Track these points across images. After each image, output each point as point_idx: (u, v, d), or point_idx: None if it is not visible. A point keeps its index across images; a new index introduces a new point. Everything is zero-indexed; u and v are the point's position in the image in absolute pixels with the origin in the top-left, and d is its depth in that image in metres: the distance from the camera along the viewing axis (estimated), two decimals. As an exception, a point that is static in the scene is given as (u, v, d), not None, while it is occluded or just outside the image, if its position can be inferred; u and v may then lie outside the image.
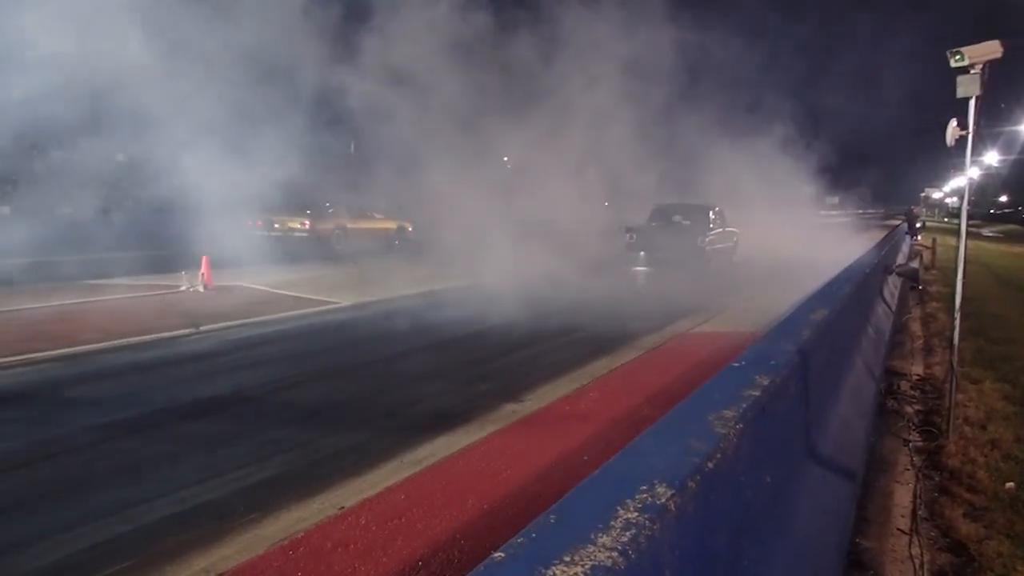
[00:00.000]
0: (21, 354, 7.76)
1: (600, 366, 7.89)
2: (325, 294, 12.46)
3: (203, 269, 12.90)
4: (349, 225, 23.23)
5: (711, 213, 19.76)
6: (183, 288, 12.65)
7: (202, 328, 9.45)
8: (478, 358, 8.27)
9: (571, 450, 5.19)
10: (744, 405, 2.59)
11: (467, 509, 4.16)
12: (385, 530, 3.90)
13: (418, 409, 6.33)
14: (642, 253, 18.80)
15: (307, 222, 22.05)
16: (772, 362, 3.27)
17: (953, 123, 5.50)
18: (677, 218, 19.68)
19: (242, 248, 15.03)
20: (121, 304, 11.38)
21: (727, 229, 20.68)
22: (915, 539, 3.91)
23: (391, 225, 25.38)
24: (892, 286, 11.55)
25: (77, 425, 5.79)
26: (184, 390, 6.87)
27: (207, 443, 5.47)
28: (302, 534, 3.87)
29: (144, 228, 20.51)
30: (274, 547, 3.74)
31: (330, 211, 22.74)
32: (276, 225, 21.61)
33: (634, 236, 19.02)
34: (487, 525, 3.96)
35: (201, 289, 12.64)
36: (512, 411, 6.20)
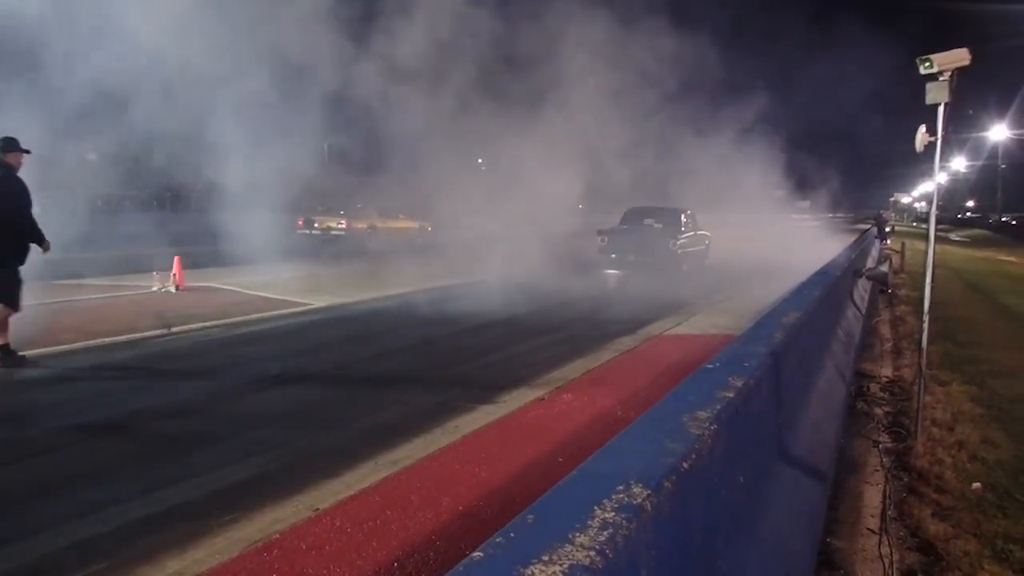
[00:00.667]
0: (-11, 355, 7.64)
1: (576, 367, 7.93)
2: (301, 295, 12.40)
3: (175, 270, 12.79)
4: (379, 225, 24.58)
5: (683, 216, 19.76)
6: (155, 289, 12.54)
7: (173, 329, 9.37)
8: (455, 359, 8.29)
9: (546, 451, 5.21)
10: (718, 406, 2.62)
11: (443, 510, 4.17)
12: (360, 532, 3.90)
13: (394, 410, 6.32)
14: (613, 256, 18.83)
15: (344, 221, 24.01)
16: (745, 364, 3.31)
17: (922, 129, 5.59)
18: (649, 221, 19.70)
19: (279, 246, 15.40)
20: (91, 305, 11.25)
21: (699, 232, 20.73)
22: (884, 539, 3.98)
23: (413, 225, 26.94)
24: (862, 289, 11.70)
25: (49, 426, 5.73)
26: (157, 391, 6.81)
27: (180, 445, 5.43)
28: (277, 536, 3.86)
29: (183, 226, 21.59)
30: (248, 549, 3.73)
31: (362, 211, 24.34)
32: (316, 224, 23.49)
33: (606, 239, 19.02)
34: (463, 526, 3.97)
35: (173, 290, 12.53)
36: (488, 412, 6.21)
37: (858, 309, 10.42)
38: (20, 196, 7.73)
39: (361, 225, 24.77)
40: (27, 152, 7.88)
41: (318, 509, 4.22)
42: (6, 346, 7.60)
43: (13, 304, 7.71)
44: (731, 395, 2.80)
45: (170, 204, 36.28)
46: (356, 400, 6.67)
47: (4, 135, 7.74)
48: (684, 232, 19.29)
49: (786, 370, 4.05)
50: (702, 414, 2.52)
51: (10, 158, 7.69)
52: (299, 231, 24.07)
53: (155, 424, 5.90)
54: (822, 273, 8.19)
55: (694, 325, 10.94)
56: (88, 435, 5.57)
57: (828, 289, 6.97)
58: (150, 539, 3.87)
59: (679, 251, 18.62)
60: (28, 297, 11.13)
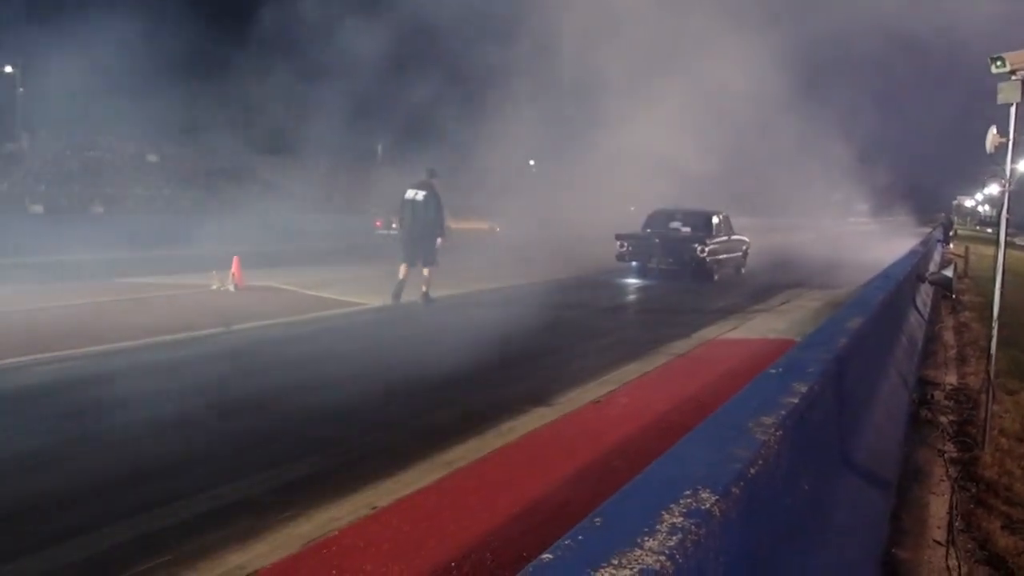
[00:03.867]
0: (57, 351, 7.87)
1: (630, 371, 7.88)
2: (359, 295, 12.52)
3: (234, 269, 13.02)
4: (452, 226, 25.49)
5: (714, 219, 18.12)
6: (214, 287, 12.77)
7: (233, 327, 9.54)
8: (507, 361, 8.28)
9: (602, 455, 5.18)
10: (783, 412, 2.58)
11: (498, 512, 4.17)
12: (417, 531, 3.92)
13: (448, 411, 6.35)
14: (635, 263, 17.59)
15: None
16: (809, 370, 3.26)
17: (993, 130, 5.44)
18: (675, 225, 18.12)
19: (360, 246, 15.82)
20: (153, 303, 11.51)
21: (733, 237, 19.10)
22: (952, 551, 3.87)
23: (483, 226, 27.50)
24: (924, 295, 11.43)
25: (112, 421, 5.87)
26: (216, 389, 6.94)
27: (240, 441, 5.52)
28: (336, 533, 3.90)
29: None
30: (308, 546, 3.77)
31: None
32: (393, 225, 24.21)
33: (626, 244, 17.52)
34: (519, 528, 3.97)
35: (232, 288, 12.75)
36: (542, 415, 6.20)
37: (921, 315, 10.17)
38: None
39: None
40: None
41: (375, 508, 4.25)
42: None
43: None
44: (796, 401, 2.76)
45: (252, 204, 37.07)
46: (409, 400, 6.71)
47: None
48: (715, 237, 17.72)
49: (849, 376, 3.98)
50: (767, 419, 2.48)
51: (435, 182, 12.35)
52: (377, 232, 24.77)
53: (215, 421, 6.02)
54: (885, 278, 8.03)
55: (750, 329, 10.79)
56: (151, 431, 5.70)
57: (891, 294, 6.83)
58: (212, 533, 3.94)
59: (708, 257, 17.04)
60: (94, 295, 11.49)
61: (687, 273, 16.89)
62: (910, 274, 9.66)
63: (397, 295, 12.00)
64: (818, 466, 3.18)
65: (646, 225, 18.47)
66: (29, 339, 8.28)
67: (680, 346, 9.38)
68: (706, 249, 16.90)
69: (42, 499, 4.41)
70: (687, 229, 17.85)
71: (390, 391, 6.99)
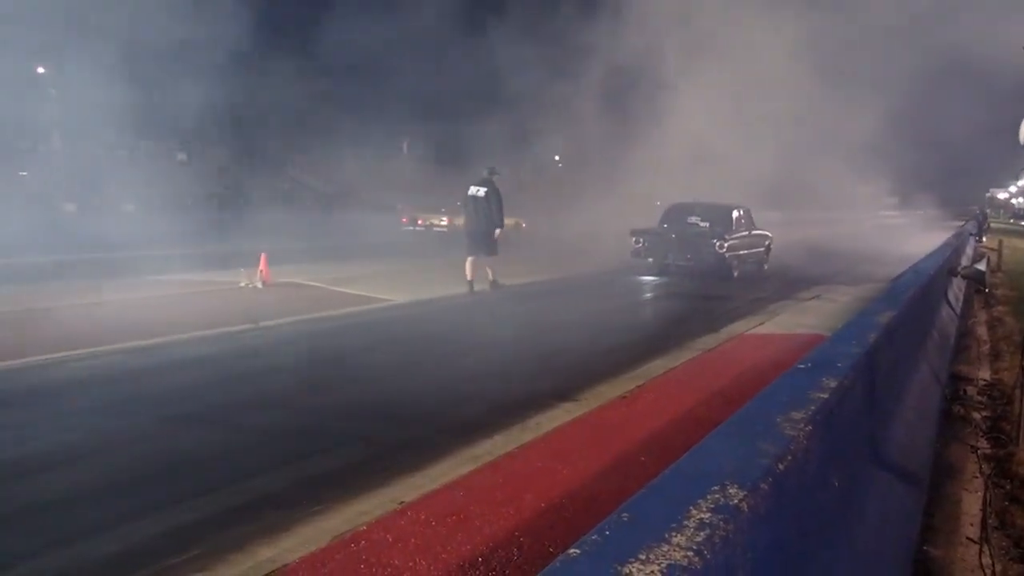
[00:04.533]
0: (89, 347, 7.98)
1: (656, 366, 7.84)
2: (385, 291, 12.58)
3: (261, 266, 13.12)
4: None
5: (734, 214, 17.47)
6: (242, 284, 12.88)
7: (261, 324, 9.61)
8: (532, 356, 8.27)
9: (629, 450, 5.16)
10: (812, 407, 2.55)
11: (526, 507, 4.17)
12: (444, 526, 3.93)
13: (474, 405, 6.36)
14: (651, 260, 16.88)
15: (446, 219, 25.06)
16: (839, 364, 3.22)
17: (1026, 121, 5.35)
18: (693, 219, 17.38)
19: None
20: (182, 299, 11.63)
21: (755, 232, 18.33)
22: (985, 548, 3.81)
23: (509, 221, 27.81)
24: (957, 289, 11.27)
25: (144, 416, 5.93)
26: (244, 384, 7.00)
27: (269, 436, 5.58)
28: (363, 528, 3.92)
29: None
30: (336, 540, 3.80)
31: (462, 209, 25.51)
32: (419, 221, 24.58)
33: (641, 240, 16.86)
34: (546, 523, 3.97)
35: (259, 285, 12.85)
36: (568, 409, 6.20)
37: (953, 309, 10.04)
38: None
39: (462, 221, 25.38)
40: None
41: (402, 502, 4.27)
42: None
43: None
44: (825, 396, 2.73)
45: (282, 201, 37.41)
46: (435, 395, 6.73)
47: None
48: (735, 232, 17.09)
49: (880, 371, 3.93)
50: (796, 415, 2.46)
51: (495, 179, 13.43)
52: (403, 228, 25.11)
53: (243, 415, 6.06)
54: (915, 272, 7.93)
55: (779, 324, 10.70)
56: (182, 425, 5.76)
57: (922, 288, 6.74)
58: (242, 527, 3.97)
59: (727, 253, 16.38)
60: (125, 292, 11.63)
61: (705, 270, 16.32)
62: (941, 268, 9.53)
63: (471, 286, 13.11)
64: (848, 462, 3.14)
65: (663, 220, 17.86)
66: (63, 335, 8.40)
67: (708, 341, 9.33)
68: (725, 245, 16.30)
69: (75, 492, 4.47)
70: (705, 224, 17.16)
71: (415, 386, 7.01)
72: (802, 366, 3.23)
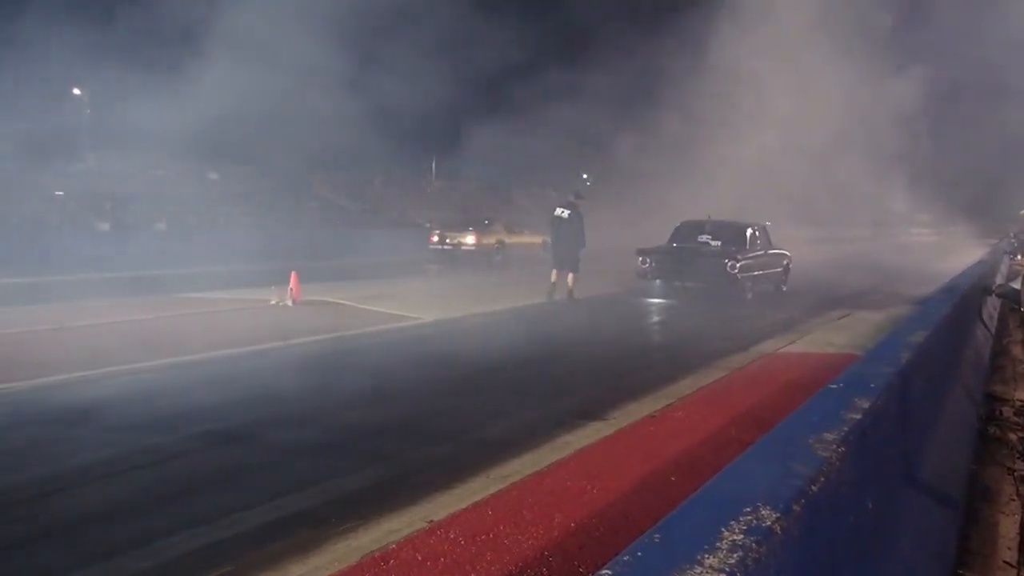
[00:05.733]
0: (123, 364, 8.09)
1: (686, 385, 7.80)
2: (411, 310, 12.64)
3: (292, 284, 13.25)
4: (507, 240, 25.83)
5: (748, 232, 16.29)
6: (273, 302, 13.00)
7: (291, 341, 9.69)
8: (560, 374, 8.27)
9: (659, 469, 5.14)
10: (845, 428, 2.54)
11: (555, 526, 4.16)
12: (474, 545, 3.93)
13: (502, 425, 6.37)
14: (658, 282, 15.96)
15: (475, 237, 25.29)
16: (872, 384, 3.19)
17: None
18: (704, 238, 16.27)
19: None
20: (213, 317, 11.76)
21: (771, 252, 17.09)
22: (1023, 573, 3.75)
23: (537, 240, 28.08)
24: (991, 308, 11.11)
25: (177, 433, 6.00)
26: (275, 402, 7.06)
27: (297, 453, 5.62)
28: (393, 546, 3.93)
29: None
30: (366, 558, 3.81)
31: (490, 227, 25.62)
32: (448, 240, 24.87)
33: (648, 261, 15.80)
34: (576, 543, 3.95)
35: (289, 303, 12.97)
36: (597, 429, 6.18)
37: (988, 328, 9.90)
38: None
39: (490, 240, 25.70)
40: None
41: (432, 521, 4.28)
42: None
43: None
44: (858, 417, 2.71)
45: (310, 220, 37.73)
46: (464, 413, 6.75)
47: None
48: (750, 251, 15.88)
49: (913, 391, 3.89)
50: (829, 436, 2.44)
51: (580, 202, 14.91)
52: (431, 247, 25.31)
53: (274, 432, 6.12)
54: (949, 290, 7.84)
55: (810, 343, 10.61)
56: (214, 442, 5.82)
57: (956, 307, 6.67)
58: (273, 544, 4.01)
59: (741, 275, 15.12)
60: (158, 310, 11.79)
61: (716, 292, 15.31)
62: (975, 286, 9.41)
63: (550, 295, 14.49)
64: (881, 484, 3.11)
65: (672, 239, 16.70)
66: (97, 352, 8.53)
67: (737, 360, 9.27)
68: (737, 265, 15.05)
69: (109, 508, 4.54)
70: (717, 243, 16.05)
71: (444, 404, 7.04)
72: (834, 386, 3.21)
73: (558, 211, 15.03)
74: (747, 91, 20.41)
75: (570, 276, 14.60)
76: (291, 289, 13.22)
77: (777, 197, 22.59)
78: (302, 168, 40.62)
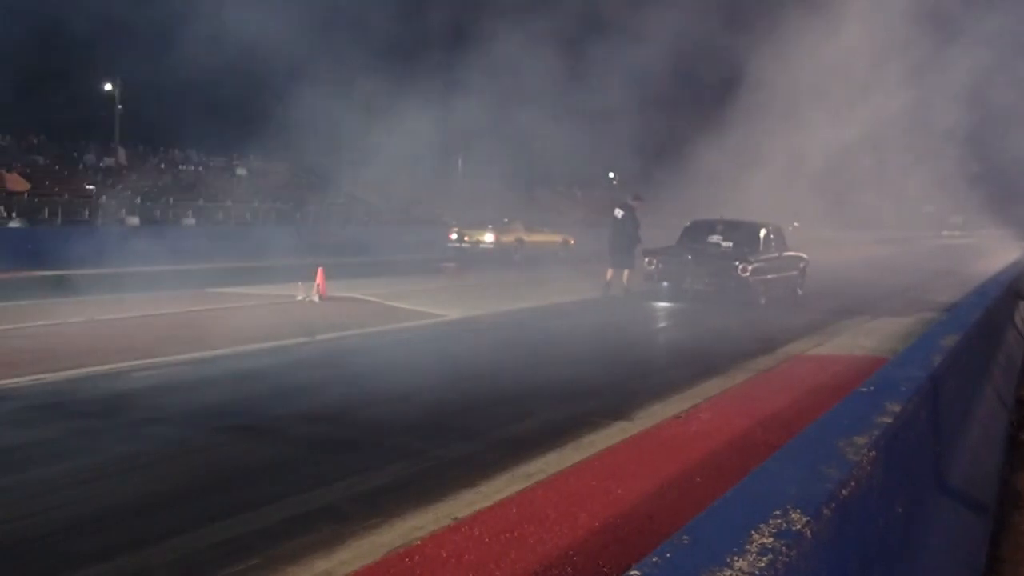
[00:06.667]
0: (151, 357, 8.18)
1: (711, 386, 7.75)
2: (437, 307, 12.68)
3: (318, 280, 13.33)
4: (525, 238, 25.92)
5: (761, 233, 15.50)
6: (299, 298, 13.09)
7: (317, 337, 9.75)
8: (584, 374, 8.24)
9: (684, 471, 5.11)
10: (876, 432, 2.51)
11: (579, 526, 4.15)
12: (498, 543, 3.94)
13: (527, 423, 6.36)
14: (666, 284, 15.07)
15: (493, 235, 25.51)
16: (902, 388, 3.16)
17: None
18: (715, 239, 15.57)
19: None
20: (241, 312, 11.86)
21: (786, 254, 16.28)
22: (1055, 581, 3.69)
23: (557, 239, 27.98)
24: (1023, 311, 10.95)
25: (202, 427, 6.06)
26: (300, 397, 7.11)
27: (322, 449, 5.66)
28: (418, 543, 3.94)
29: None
30: (391, 554, 3.82)
31: (509, 225, 25.68)
32: (465, 238, 24.93)
33: (655, 262, 15.09)
34: (600, 543, 3.94)
35: (316, 299, 13.05)
36: (623, 429, 6.16)
37: (1020, 332, 9.75)
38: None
39: (509, 238, 25.86)
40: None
41: (456, 518, 4.28)
42: None
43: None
44: (889, 420, 2.68)
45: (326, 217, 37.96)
46: (488, 411, 6.74)
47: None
48: (762, 253, 15.09)
49: (945, 396, 3.84)
50: (859, 439, 2.42)
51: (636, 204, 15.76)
52: (450, 244, 25.35)
53: (299, 428, 6.16)
54: (980, 294, 7.73)
55: (837, 346, 10.50)
56: (239, 436, 5.87)
57: (987, 311, 6.58)
58: (298, 539, 4.02)
59: (752, 278, 14.35)
60: (186, 304, 11.91)
61: (727, 296, 14.50)
62: (1008, 290, 9.28)
63: (606, 290, 15.22)
64: (912, 489, 3.08)
65: (681, 239, 16.05)
66: (126, 346, 8.64)
67: (764, 362, 9.20)
68: (749, 268, 14.29)
69: (135, 501, 4.58)
70: (728, 244, 15.34)
71: (468, 401, 7.04)
72: (864, 389, 3.18)
73: (616, 212, 15.88)
74: (792, 85, 20.15)
75: (625, 273, 15.29)
76: (318, 285, 13.30)
77: (813, 196, 22.29)
78: (330, 164, 40.82)
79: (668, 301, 14.90)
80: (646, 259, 15.22)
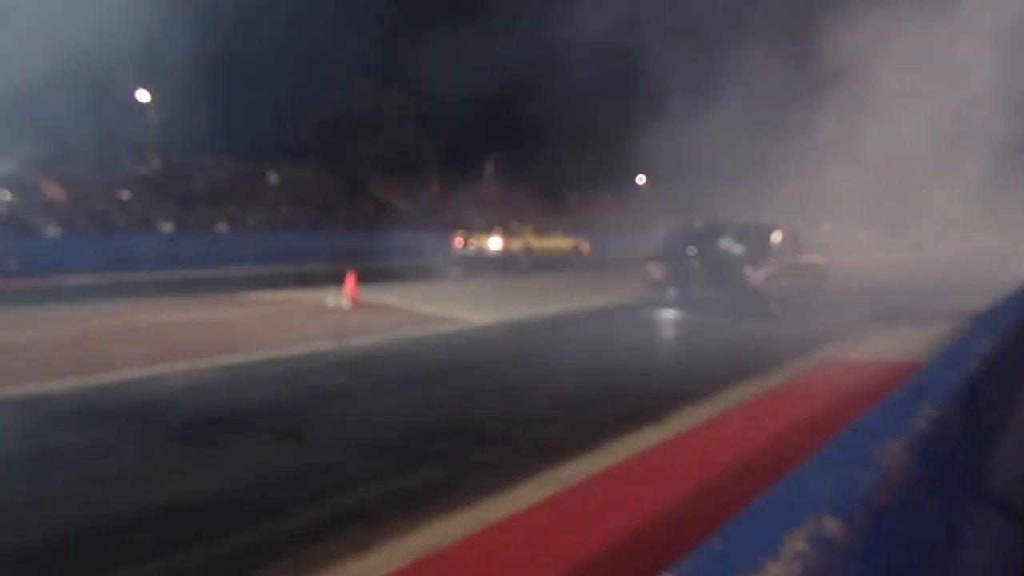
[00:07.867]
0: (186, 361, 8.29)
1: (744, 390, 7.70)
2: (466, 312, 12.71)
3: (348, 285, 13.41)
4: (534, 244, 25.96)
5: (775, 236, 14.25)
6: (330, 303, 13.18)
7: (347, 342, 9.82)
8: (615, 380, 8.23)
9: (715, 475, 5.09)
10: (911, 437, 2.48)
11: (611, 530, 4.15)
12: (529, 548, 3.95)
13: (559, 427, 6.37)
14: (672, 291, 14.11)
15: (500, 241, 25.61)
16: (938, 392, 3.12)
17: None
18: (724, 242, 14.25)
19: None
20: (271, 317, 11.97)
21: (802, 258, 15.05)
22: (1096, 589, 3.62)
23: (567, 244, 27.86)
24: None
25: (236, 431, 6.14)
26: (331, 401, 7.17)
27: (354, 452, 5.71)
28: (449, 546, 3.96)
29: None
30: (422, 557, 3.84)
31: (517, 230, 25.75)
32: (472, 243, 25.01)
33: (662, 268, 14.05)
34: (632, 547, 3.94)
35: (346, 304, 13.13)
36: (654, 433, 6.14)
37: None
38: None
39: (517, 244, 25.73)
40: None
41: (486, 523, 4.29)
42: None
43: None
44: (924, 425, 2.65)
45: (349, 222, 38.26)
46: (519, 416, 6.76)
47: None
48: (775, 258, 13.86)
49: (980, 400, 3.80)
50: (893, 444, 2.39)
51: None
52: (456, 250, 25.37)
53: (330, 432, 6.22)
54: (1018, 298, 7.61)
55: (872, 350, 10.38)
56: (271, 440, 5.94)
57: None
58: (330, 541, 4.07)
59: (764, 284, 13.29)
60: (219, 309, 12.05)
61: (736, 304, 13.43)
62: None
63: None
64: (947, 494, 3.04)
65: (689, 243, 14.62)
66: (161, 351, 8.75)
67: (796, 365, 9.12)
68: (760, 274, 13.30)
69: (170, 503, 4.65)
70: (739, 248, 14.05)
71: (499, 406, 7.06)
72: (899, 394, 3.14)
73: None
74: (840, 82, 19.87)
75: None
76: (348, 290, 13.39)
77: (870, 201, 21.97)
78: (360, 170, 41.15)
79: (675, 308, 14.20)
80: (651, 265, 14.25)
